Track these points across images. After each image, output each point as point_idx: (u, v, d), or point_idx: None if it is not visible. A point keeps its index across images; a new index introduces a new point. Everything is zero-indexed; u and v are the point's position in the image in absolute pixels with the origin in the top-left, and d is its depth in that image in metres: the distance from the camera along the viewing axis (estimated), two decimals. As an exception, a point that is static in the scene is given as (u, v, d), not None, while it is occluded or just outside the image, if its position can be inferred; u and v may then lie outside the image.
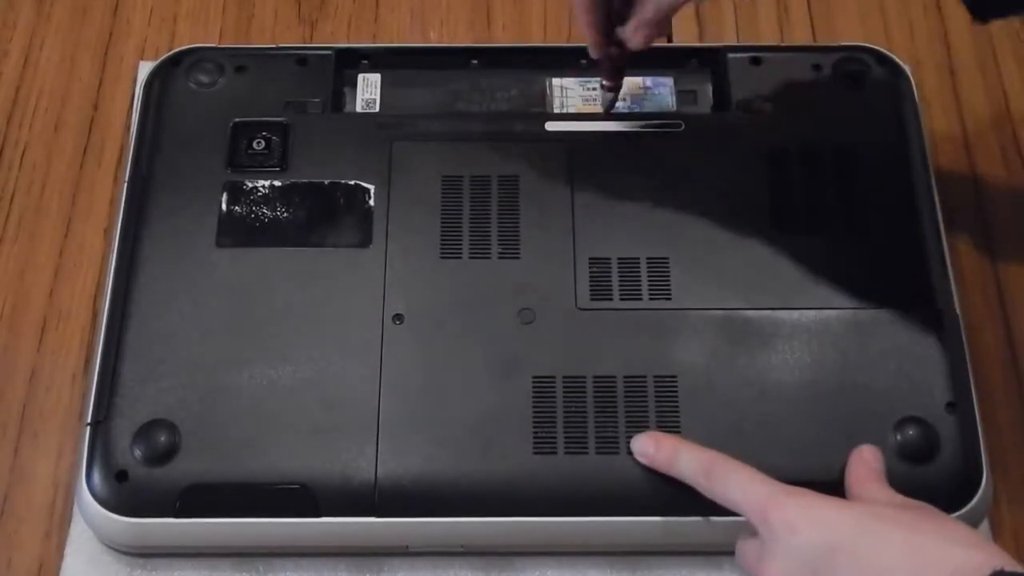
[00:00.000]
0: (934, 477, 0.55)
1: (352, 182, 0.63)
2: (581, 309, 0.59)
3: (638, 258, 0.61)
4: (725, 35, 0.74)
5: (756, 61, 0.67)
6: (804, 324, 0.59)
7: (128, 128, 0.69)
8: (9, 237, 0.67)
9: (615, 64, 0.60)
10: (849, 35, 0.73)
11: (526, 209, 0.62)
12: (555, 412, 0.57)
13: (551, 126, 0.65)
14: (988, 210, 0.68)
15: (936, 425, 0.56)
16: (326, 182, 0.63)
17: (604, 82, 0.62)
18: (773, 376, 0.57)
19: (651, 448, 0.55)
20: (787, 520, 0.48)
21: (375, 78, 0.68)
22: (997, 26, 0.74)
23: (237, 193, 0.62)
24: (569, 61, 0.68)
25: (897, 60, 0.67)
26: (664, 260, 0.61)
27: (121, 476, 0.55)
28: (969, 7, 0.57)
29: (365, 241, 0.61)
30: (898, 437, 0.56)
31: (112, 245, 0.61)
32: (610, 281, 0.60)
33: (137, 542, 0.56)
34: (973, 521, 0.55)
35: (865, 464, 0.53)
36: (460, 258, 0.60)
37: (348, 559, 0.57)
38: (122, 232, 0.61)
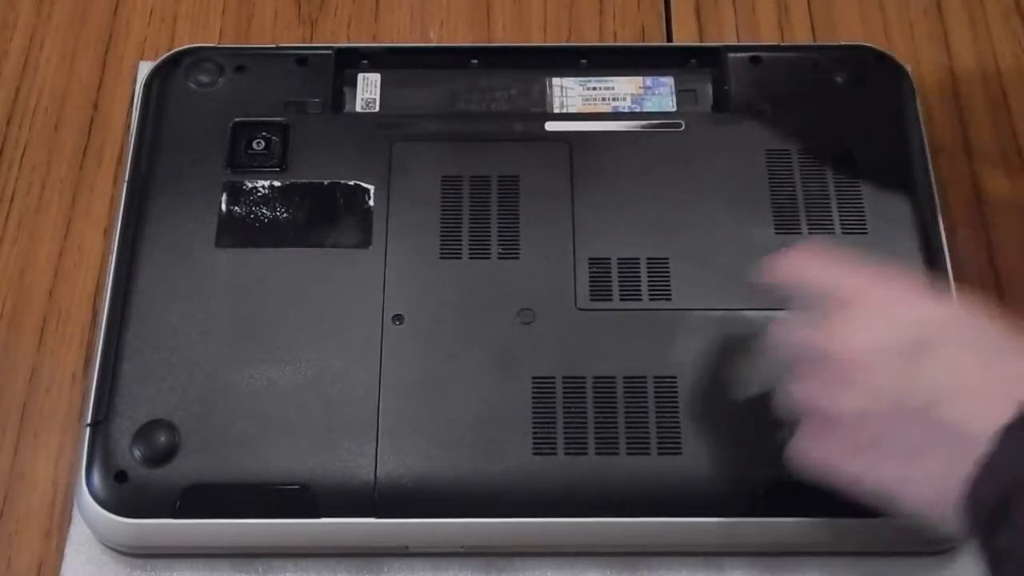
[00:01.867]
0: (934, 477, 0.55)
1: (352, 182, 0.63)
2: (581, 309, 0.59)
3: (638, 258, 0.61)
4: (725, 35, 0.73)
5: (756, 61, 0.67)
6: (804, 324, 0.59)
7: (128, 128, 0.68)
8: (9, 237, 0.67)
9: None
10: (849, 35, 0.73)
11: (526, 209, 0.62)
12: (555, 412, 0.56)
13: (551, 126, 0.65)
14: (988, 210, 0.67)
15: (936, 425, 0.56)
16: (326, 182, 0.63)
17: None
18: (773, 376, 0.57)
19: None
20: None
21: (375, 78, 0.68)
22: (997, 26, 0.73)
23: (237, 193, 0.62)
24: (569, 61, 0.68)
25: (897, 60, 0.67)
26: (664, 260, 0.61)
27: (121, 477, 0.55)
28: None
29: (365, 241, 0.61)
30: (898, 437, 0.56)
31: (112, 245, 0.61)
32: (610, 281, 0.60)
33: (137, 543, 0.56)
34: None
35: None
36: (460, 258, 0.60)
37: (348, 560, 0.57)
38: (122, 232, 0.61)
